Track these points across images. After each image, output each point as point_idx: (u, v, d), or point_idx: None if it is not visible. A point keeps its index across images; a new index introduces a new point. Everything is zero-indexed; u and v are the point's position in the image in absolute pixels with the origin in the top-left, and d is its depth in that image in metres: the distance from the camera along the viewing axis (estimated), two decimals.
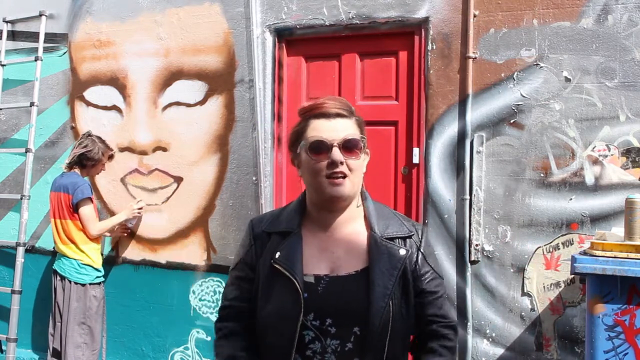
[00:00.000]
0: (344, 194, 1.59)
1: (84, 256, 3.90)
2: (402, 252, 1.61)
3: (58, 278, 3.92)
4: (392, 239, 1.63)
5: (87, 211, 3.89)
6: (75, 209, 3.88)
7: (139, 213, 4.22)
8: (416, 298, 1.64)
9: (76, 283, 3.86)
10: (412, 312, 1.62)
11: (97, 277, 3.95)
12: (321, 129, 1.57)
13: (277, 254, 1.61)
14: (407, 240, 1.65)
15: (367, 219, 1.67)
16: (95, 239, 3.97)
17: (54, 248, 4.46)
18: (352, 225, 1.66)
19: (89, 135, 4.05)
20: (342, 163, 1.55)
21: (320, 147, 1.56)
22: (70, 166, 3.99)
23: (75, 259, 3.88)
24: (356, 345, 1.55)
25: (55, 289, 3.94)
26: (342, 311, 1.56)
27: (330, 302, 1.56)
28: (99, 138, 4.09)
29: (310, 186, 1.64)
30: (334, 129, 1.57)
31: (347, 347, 1.55)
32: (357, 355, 1.55)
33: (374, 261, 1.59)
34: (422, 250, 1.66)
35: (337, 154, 1.55)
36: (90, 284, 3.90)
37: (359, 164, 1.60)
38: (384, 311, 1.54)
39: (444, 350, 1.65)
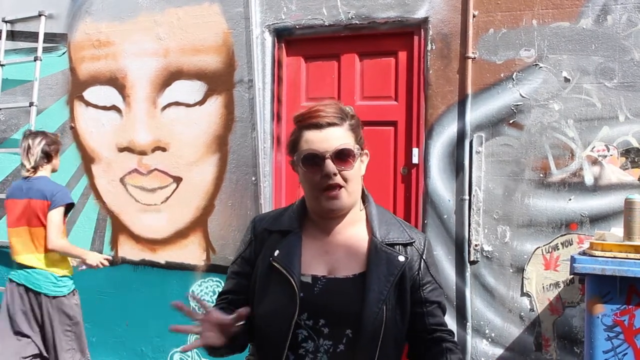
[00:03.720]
0: (340, 207, 1.59)
1: (61, 266, 3.67)
2: (401, 258, 1.60)
3: (31, 294, 3.61)
4: (392, 244, 1.62)
5: (57, 219, 3.60)
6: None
7: (100, 265, 3.80)
8: (417, 307, 1.63)
9: (55, 297, 3.63)
10: (406, 319, 1.62)
11: (72, 284, 3.75)
12: (313, 141, 1.56)
13: (276, 252, 1.61)
14: (408, 247, 1.64)
15: (369, 223, 1.66)
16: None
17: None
18: (353, 229, 1.66)
19: (32, 131, 3.85)
20: (335, 174, 1.54)
21: (313, 160, 1.56)
22: (35, 168, 3.68)
23: (51, 272, 3.62)
24: (348, 347, 1.55)
25: (26, 304, 3.62)
26: (336, 313, 1.56)
27: (324, 303, 1.56)
28: (40, 130, 3.87)
29: (308, 197, 1.65)
30: (325, 140, 1.56)
31: (339, 349, 1.56)
32: (349, 358, 1.55)
33: (372, 266, 1.58)
34: (424, 258, 1.65)
35: (329, 166, 1.54)
36: (68, 294, 3.69)
37: (354, 172, 1.59)
38: (376, 316, 1.54)
39: (454, 354, 1.64)
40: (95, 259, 3.77)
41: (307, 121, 1.58)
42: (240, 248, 1.74)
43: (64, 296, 3.67)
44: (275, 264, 1.59)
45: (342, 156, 1.56)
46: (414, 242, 1.65)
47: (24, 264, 3.64)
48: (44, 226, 3.61)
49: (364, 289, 1.56)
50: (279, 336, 1.56)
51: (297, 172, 1.66)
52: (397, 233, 1.65)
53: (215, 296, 4.08)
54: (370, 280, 1.56)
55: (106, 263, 3.82)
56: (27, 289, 3.62)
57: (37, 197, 3.60)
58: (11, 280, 3.68)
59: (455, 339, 1.70)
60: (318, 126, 1.57)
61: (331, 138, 1.56)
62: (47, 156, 3.71)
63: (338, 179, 1.55)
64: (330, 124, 1.57)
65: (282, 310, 1.56)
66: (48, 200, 3.59)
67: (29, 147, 3.68)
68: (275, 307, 1.58)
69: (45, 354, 3.71)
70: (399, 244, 1.63)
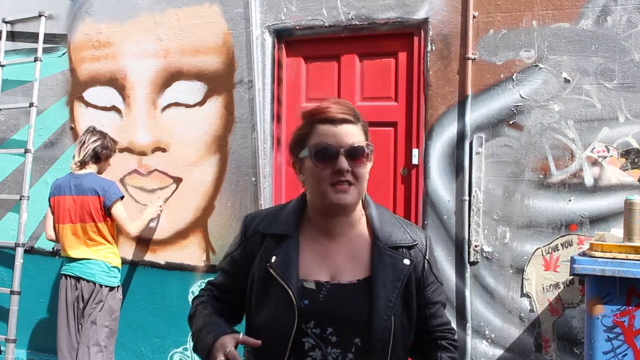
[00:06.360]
0: (348, 202, 1.53)
1: (113, 257, 3.82)
2: (406, 262, 1.56)
3: (82, 283, 3.72)
4: (396, 247, 1.58)
5: (123, 212, 3.80)
6: (107, 211, 3.75)
7: (160, 209, 4.20)
8: (421, 310, 1.61)
9: (106, 286, 3.74)
10: (413, 322, 1.59)
11: (120, 279, 3.90)
12: (327, 135, 1.51)
13: (273, 258, 1.55)
14: (412, 249, 1.60)
15: (369, 225, 1.61)
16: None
17: (53, 248, 4.45)
18: (354, 232, 1.60)
19: (94, 129, 3.94)
20: (347, 171, 1.50)
21: (326, 154, 1.50)
22: (83, 164, 3.80)
23: (104, 261, 3.76)
24: (357, 356, 1.51)
25: (78, 297, 3.73)
26: (343, 321, 1.51)
27: (331, 311, 1.51)
28: (102, 131, 3.97)
29: (313, 193, 1.58)
30: (340, 135, 1.51)
31: (349, 357, 1.51)
32: None
33: (378, 271, 1.53)
34: (427, 258, 1.62)
35: (343, 162, 1.49)
36: (117, 286, 3.83)
37: (365, 172, 1.54)
38: (386, 324, 1.49)
39: (448, 352, 1.67)
40: (155, 212, 4.15)
41: (321, 115, 1.53)
42: (231, 246, 1.72)
43: (115, 287, 3.80)
44: (272, 271, 1.54)
45: (356, 154, 1.51)
46: (417, 243, 1.62)
47: (77, 257, 3.75)
48: (95, 221, 3.74)
49: (371, 296, 1.51)
50: (278, 345, 1.50)
51: (299, 171, 1.60)
52: (400, 235, 1.60)
53: None
54: (376, 286, 1.51)
55: (161, 208, 4.21)
56: (79, 280, 3.73)
57: (89, 193, 3.73)
58: (64, 276, 3.80)
59: (456, 336, 1.72)
60: (332, 121, 1.52)
61: (345, 134, 1.52)
62: (96, 157, 3.84)
63: (349, 176, 1.50)
64: (344, 120, 1.53)
65: (280, 319, 1.51)
66: (100, 196, 3.72)
67: (83, 142, 3.83)
68: (274, 316, 1.53)
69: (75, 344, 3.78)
70: (403, 247, 1.58)
